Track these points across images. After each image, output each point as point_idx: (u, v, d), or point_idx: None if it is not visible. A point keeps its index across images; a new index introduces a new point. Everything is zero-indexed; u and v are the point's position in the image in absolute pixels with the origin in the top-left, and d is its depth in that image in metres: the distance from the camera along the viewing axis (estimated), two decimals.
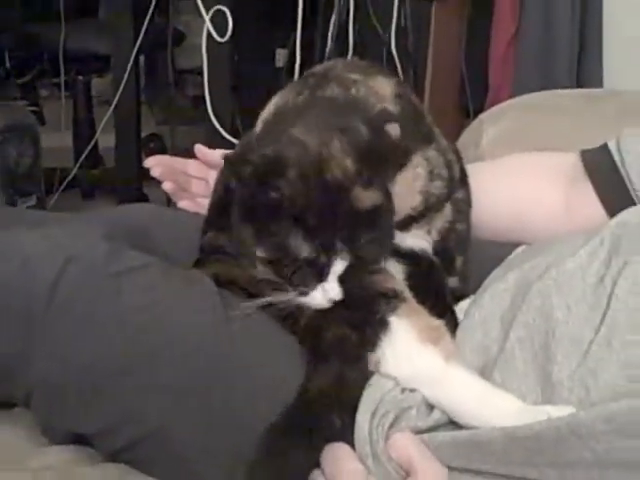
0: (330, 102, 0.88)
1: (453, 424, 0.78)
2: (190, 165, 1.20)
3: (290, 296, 0.81)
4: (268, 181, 0.77)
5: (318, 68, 0.98)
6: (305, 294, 0.80)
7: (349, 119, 0.83)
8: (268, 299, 0.82)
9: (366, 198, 0.78)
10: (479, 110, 2.22)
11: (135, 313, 0.83)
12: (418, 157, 0.90)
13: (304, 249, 0.77)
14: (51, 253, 0.84)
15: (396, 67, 2.62)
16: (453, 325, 0.86)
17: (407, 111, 0.92)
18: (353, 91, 0.89)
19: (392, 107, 0.90)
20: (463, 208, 0.99)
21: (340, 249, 0.77)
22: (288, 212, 0.77)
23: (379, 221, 0.79)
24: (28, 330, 0.82)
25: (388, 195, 0.81)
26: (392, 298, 0.84)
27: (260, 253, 0.79)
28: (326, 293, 0.79)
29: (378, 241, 0.80)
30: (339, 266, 0.78)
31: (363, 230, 0.78)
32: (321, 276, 0.79)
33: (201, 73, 2.35)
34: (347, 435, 0.79)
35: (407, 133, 0.89)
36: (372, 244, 0.79)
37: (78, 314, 0.83)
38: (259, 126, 0.93)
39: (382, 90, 0.91)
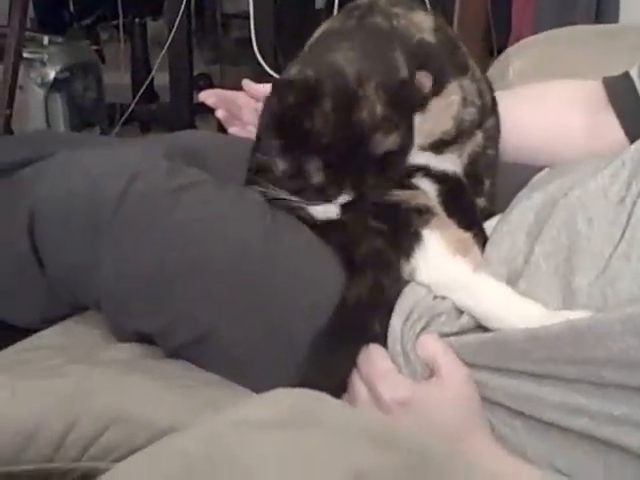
0: (375, 29, 0.86)
1: (478, 329, 0.77)
2: (240, 96, 1.18)
3: (299, 203, 0.83)
4: (305, 108, 0.77)
5: (363, 1, 0.95)
6: (308, 205, 0.83)
7: (390, 48, 0.82)
8: (279, 193, 0.84)
9: (384, 144, 0.78)
10: (503, 51, 2.16)
11: (191, 225, 0.83)
12: (453, 85, 0.89)
13: (317, 177, 0.79)
14: (117, 171, 0.83)
15: (426, 8, 2.54)
16: (481, 239, 0.85)
17: (444, 42, 0.90)
18: (394, 22, 0.87)
19: (430, 38, 0.88)
20: (493, 135, 0.97)
21: (347, 187, 0.79)
22: (314, 143, 0.78)
23: (389, 165, 0.81)
24: (96, 241, 0.82)
25: (409, 137, 0.82)
26: (425, 213, 0.84)
27: (281, 165, 0.81)
28: (326, 212, 0.82)
29: (382, 182, 0.83)
30: (343, 199, 0.81)
31: (372, 175, 0.80)
32: (326, 199, 0.81)
33: (245, 17, 2.30)
34: (385, 339, 0.79)
35: (443, 62, 0.88)
36: (376, 185, 0.82)
37: (141, 225, 0.82)
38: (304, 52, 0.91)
39: (421, 22, 0.90)
